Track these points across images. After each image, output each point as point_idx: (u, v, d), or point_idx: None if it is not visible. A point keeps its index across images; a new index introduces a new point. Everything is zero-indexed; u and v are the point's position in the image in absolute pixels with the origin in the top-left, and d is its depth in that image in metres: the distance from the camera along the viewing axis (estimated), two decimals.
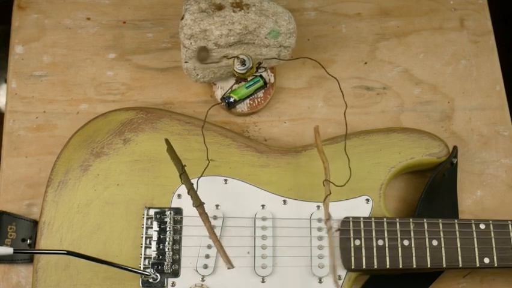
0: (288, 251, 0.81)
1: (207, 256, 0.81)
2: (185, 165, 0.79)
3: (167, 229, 0.82)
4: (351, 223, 0.81)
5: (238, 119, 0.93)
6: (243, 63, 0.85)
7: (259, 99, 0.92)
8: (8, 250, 0.74)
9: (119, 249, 0.81)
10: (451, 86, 0.96)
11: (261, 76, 0.91)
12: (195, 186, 0.79)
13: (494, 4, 1.06)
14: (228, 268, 0.76)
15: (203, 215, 0.77)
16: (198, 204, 0.77)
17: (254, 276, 0.81)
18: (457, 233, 0.81)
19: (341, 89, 0.83)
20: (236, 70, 0.86)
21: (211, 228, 0.77)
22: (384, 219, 0.82)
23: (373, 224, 0.81)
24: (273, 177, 0.85)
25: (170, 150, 0.80)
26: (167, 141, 0.81)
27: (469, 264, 0.80)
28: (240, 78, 0.90)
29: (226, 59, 0.86)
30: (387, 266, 0.80)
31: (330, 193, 0.79)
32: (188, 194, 0.78)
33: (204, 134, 0.85)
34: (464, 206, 0.90)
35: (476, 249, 0.80)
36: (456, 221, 0.81)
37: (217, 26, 0.84)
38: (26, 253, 0.83)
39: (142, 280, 0.80)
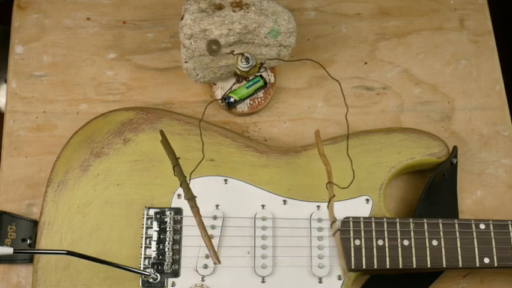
0: (288, 251, 0.81)
1: (207, 256, 0.81)
2: (179, 158, 0.79)
3: (167, 229, 0.82)
4: (351, 223, 0.81)
5: (238, 119, 0.93)
6: (247, 60, 0.85)
7: (259, 99, 0.92)
8: (8, 250, 0.74)
9: (119, 249, 0.81)
10: (451, 86, 0.96)
11: (261, 76, 0.91)
12: (189, 183, 0.79)
13: (494, 4, 1.06)
14: (214, 263, 0.76)
15: (194, 208, 0.77)
16: (190, 197, 0.77)
17: (254, 276, 0.81)
18: (457, 233, 0.81)
19: (342, 92, 0.82)
20: (239, 67, 0.86)
21: (201, 222, 0.77)
22: (384, 219, 0.82)
23: (373, 224, 0.81)
24: (273, 177, 0.85)
25: (165, 141, 0.80)
26: (161, 132, 0.81)
27: (469, 264, 0.80)
28: (241, 77, 0.90)
29: (232, 54, 0.85)
30: (387, 266, 0.80)
31: (334, 196, 0.79)
32: (180, 186, 0.78)
33: (204, 133, 0.85)
34: (464, 206, 0.90)
35: (476, 249, 0.80)
36: (456, 221, 0.82)
37: (217, 26, 0.84)
38: (26, 253, 0.83)
39: (142, 280, 0.80)
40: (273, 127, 0.93)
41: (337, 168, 0.83)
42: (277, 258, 0.81)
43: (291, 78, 0.96)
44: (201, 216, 0.77)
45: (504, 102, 0.95)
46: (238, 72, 0.87)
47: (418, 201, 0.85)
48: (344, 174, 0.82)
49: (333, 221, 0.79)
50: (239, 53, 0.85)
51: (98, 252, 0.81)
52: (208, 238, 0.77)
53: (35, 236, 0.83)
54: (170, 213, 0.82)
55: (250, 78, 0.90)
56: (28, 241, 0.85)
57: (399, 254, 0.80)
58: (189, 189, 0.78)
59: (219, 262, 0.77)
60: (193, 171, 0.80)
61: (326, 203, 0.82)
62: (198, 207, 0.77)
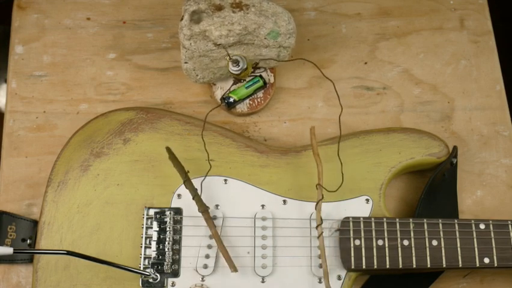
0: (288, 251, 0.81)
1: (207, 256, 0.81)
2: (188, 171, 0.80)
3: (167, 229, 0.82)
4: (351, 223, 0.81)
5: (238, 119, 0.93)
6: (236, 63, 0.85)
7: (259, 100, 0.92)
8: (8, 250, 0.74)
9: (119, 249, 0.81)
10: (451, 86, 0.96)
11: (260, 76, 0.91)
12: (198, 189, 0.79)
13: (494, 4, 1.06)
14: (232, 271, 0.77)
15: (209, 220, 0.78)
16: (203, 210, 0.78)
17: (254, 276, 0.81)
18: (457, 233, 0.81)
19: (336, 91, 0.83)
20: (230, 71, 0.86)
21: (217, 234, 0.77)
22: (384, 219, 0.82)
23: (373, 224, 0.81)
24: (273, 177, 0.85)
25: (173, 158, 0.81)
26: (168, 149, 0.82)
27: (469, 264, 0.80)
28: (237, 79, 0.90)
29: (225, 59, 0.85)
30: (387, 266, 0.80)
31: (323, 197, 0.80)
32: (193, 199, 0.78)
33: (204, 134, 0.85)
34: (464, 206, 0.90)
35: (476, 249, 0.80)
36: (456, 221, 0.82)
37: (216, 27, 0.84)
38: (26, 253, 0.83)
39: (142, 280, 0.80)
40: (273, 127, 0.93)
41: (335, 168, 0.83)
42: (277, 258, 0.81)
43: (291, 78, 0.96)
44: (215, 227, 0.78)
45: (504, 102, 0.95)
46: (231, 76, 0.87)
47: (418, 201, 0.85)
48: (341, 175, 0.82)
49: (319, 223, 0.79)
50: (228, 55, 0.85)
51: (98, 252, 0.81)
52: (225, 249, 0.77)
53: (35, 236, 0.83)
54: (170, 213, 0.82)
55: (250, 78, 0.90)
56: (28, 241, 0.85)
57: (399, 254, 0.80)
58: (202, 202, 0.78)
59: (237, 270, 0.77)
60: (203, 180, 0.81)
61: (326, 203, 0.82)
62: (212, 220, 0.78)
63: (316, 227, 0.80)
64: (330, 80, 0.83)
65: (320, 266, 0.81)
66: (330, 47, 0.98)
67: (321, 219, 0.80)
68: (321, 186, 0.80)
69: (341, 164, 0.82)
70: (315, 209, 0.80)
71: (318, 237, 0.79)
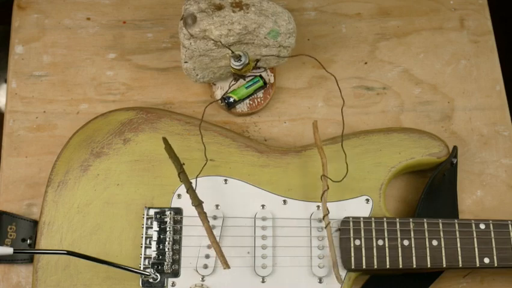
0: (288, 251, 0.81)
1: (207, 256, 0.81)
2: (183, 164, 0.79)
3: (167, 229, 0.82)
4: (351, 223, 0.81)
5: (238, 119, 0.93)
6: (238, 58, 0.85)
7: (259, 99, 0.92)
8: (8, 250, 0.74)
9: (119, 249, 0.81)
10: (451, 86, 0.96)
11: (260, 76, 0.91)
12: (194, 185, 0.79)
13: (494, 4, 1.06)
14: (224, 268, 0.76)
15: (202, 214, 0.77)
16: (197, 203, 0.78)
17: (254, 276, 0.81)
18: (457, 233, 0.81)
19: (338, 85, 0.83)
20: (232, 66, 0.86)
21: (209, 228, 0.77)
22: (384, 219, 0.82)
23: (373, 224, 0.81)
24: (273, 177, 0.85)
25: (169, 149, 0.81)
26: (165, 140, 0.81)
27: (469, 264, 0.80)
28: (238, 76, 0.89)
29: (228, 55, 0.85)
30: (387, 266, 0.80)
31: (328, 188, 0.80)
32: (187, 193, 0.78)
33: (204, 134, 0.85)
34: (464, 206, 0.90)
35: (476, 249, 0.80)
36: (456, 221, 0.82)
37: (216, 26, 0.84)
38: (26, 253, 0.83)
39: (142, 280, 0.80)
40: (273, 127, 0.93)
41: (336, 167, 0.83)
42: (277, 258, 0.81)
43: (291, 78, 0.96)
44: (208, 222, 0.77)
45: (504, 102, 0.95)
46: (233, 71, 0.87)
47: (418, 201, 0.85)
48: (343, 174, 0.82)
49: (326, 214, 0.79)
50: (231, 51, 0.85)
51: (98, 252, 0.81)
52: (217, 244, 0.77)
53: (35, 236, 0.83)
54: (170, 213, 0.82)
55: (250, 78, 0.90)
56: (28, 241, 0.85)
57: (399, 254, 0.80)
58: (196, 195, 0.78)
59: (229, 267, 0.77)
60: (197, 175, 0.80)
61: (326, 203, 0.82)
62: (205, 213, 0.78)
63: (323, 217, 0.79)
64: (332, 74, 0.82)
65: (320, 266, 0.81)
66: (330, 47, 0.98)
67: (328, 210, 0.79)
68: (325, 177, 0.80)
69: (345, 154, 0.82)
70: (321, 199, 0.80)
71: (326, 227, 0.79)
